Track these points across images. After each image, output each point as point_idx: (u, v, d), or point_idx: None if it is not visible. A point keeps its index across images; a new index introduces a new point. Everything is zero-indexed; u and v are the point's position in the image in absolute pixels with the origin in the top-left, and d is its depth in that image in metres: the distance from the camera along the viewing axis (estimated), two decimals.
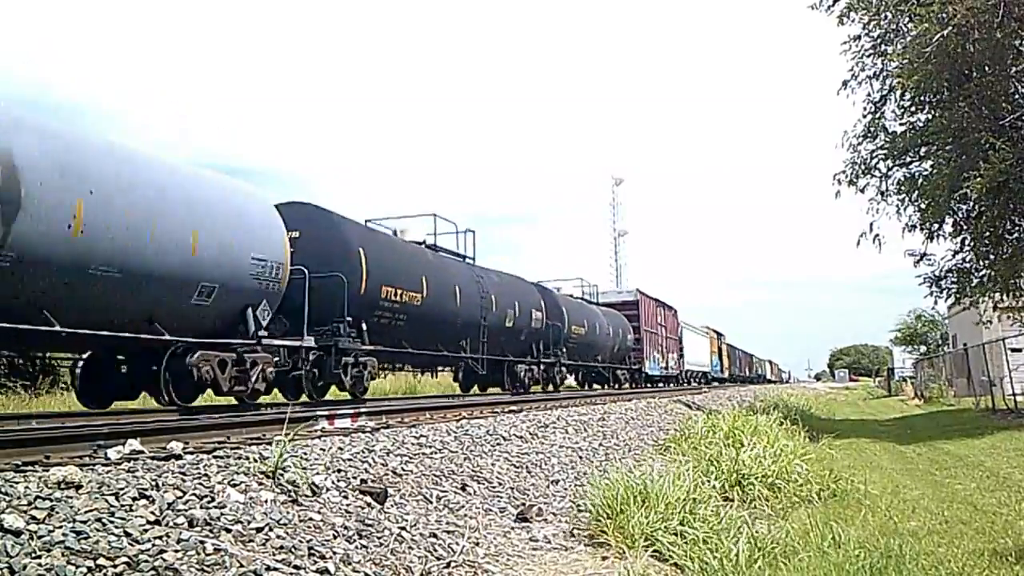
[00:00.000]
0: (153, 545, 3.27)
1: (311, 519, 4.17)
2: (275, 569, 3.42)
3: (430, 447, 6.64)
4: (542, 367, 19.96)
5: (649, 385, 30.79)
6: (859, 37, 15.22)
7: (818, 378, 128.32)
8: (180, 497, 3.84)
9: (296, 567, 3.54)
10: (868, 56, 15.31)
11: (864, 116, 15.91)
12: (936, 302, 17.78)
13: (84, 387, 9.60)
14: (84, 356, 9.43)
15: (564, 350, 21.52)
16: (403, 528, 4.55)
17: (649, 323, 29.94)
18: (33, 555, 2.96)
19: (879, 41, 15.03)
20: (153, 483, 3.90)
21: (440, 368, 18.78)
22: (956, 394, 28.01)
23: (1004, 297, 15.96)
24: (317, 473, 4.84)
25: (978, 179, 12.07)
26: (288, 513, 4.13)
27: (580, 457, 8.46)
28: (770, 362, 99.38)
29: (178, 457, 4.79)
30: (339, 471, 5.14)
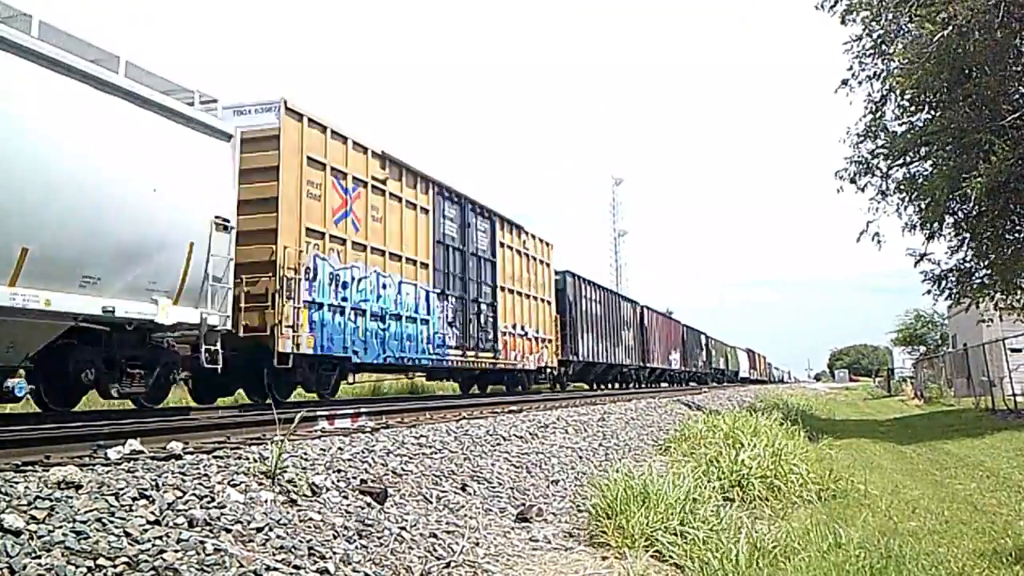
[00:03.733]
0: (153, 545, 3.27)
1: (311, 519, 4.17)
2: (275, 569, 3.42)
3: (430, 447, 6.64)
4: None
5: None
6: (860, 37, 15.22)
7: (818, 378, 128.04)
8: (180, 497, 3.84)
9: (296, 567, 3.54)
10: (869, 56, 15.30)
11: (864, 116, 15.93)
12: (936, 302, 17.75)
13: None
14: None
15: None
16: (403, 528, 4.55)
17: None
18: (33, 555, 2.96)
19: (880, 41, 15.01)
20: (153, 483, 3.90)
21: None
22: (956, 394, 27.99)
23: (1004, 297, 15.95)
24: (317, 473, 4.84)
25: (978, 179, 12.06)
26: (288, 513, 4.13)
27: (580, 457, 8.46)
28: (750, 352, 73.67)
29: (178, 457, 4.79)
30: (339, 471, 5.14)
